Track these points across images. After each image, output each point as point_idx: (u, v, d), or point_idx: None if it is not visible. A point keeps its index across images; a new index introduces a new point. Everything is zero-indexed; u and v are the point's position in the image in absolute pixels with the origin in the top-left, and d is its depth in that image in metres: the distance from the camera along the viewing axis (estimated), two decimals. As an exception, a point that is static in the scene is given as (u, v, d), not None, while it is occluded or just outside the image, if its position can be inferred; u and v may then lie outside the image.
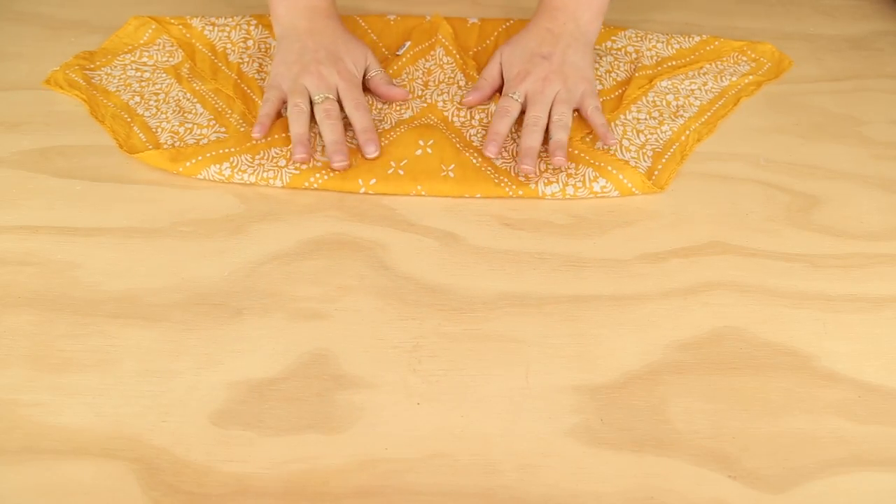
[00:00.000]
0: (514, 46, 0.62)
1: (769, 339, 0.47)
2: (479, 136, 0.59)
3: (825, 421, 0.43)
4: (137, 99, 0.61)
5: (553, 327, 0.48)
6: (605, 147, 0.57)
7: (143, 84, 0.63)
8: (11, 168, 0.57)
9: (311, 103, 0.58)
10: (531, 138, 0.56)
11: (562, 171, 0.55)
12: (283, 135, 0.58)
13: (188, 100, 0.61)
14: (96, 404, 0.43)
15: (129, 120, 0.59)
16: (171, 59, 0.65)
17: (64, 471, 0.41)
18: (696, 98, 0.62)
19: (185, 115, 0.60)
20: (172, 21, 0.67)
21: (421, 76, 0.64)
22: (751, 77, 0.64)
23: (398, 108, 0.61)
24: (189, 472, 0.41)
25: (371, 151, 0.56)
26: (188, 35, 0.67)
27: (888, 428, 0.43)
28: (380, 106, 0.61)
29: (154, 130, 0.58)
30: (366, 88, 0.62)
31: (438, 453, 0.42)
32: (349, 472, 0.41)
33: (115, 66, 0.64)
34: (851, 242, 0.52)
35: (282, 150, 0.57)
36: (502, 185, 0.55)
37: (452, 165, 0.56)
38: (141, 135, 0.58)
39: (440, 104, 0.61)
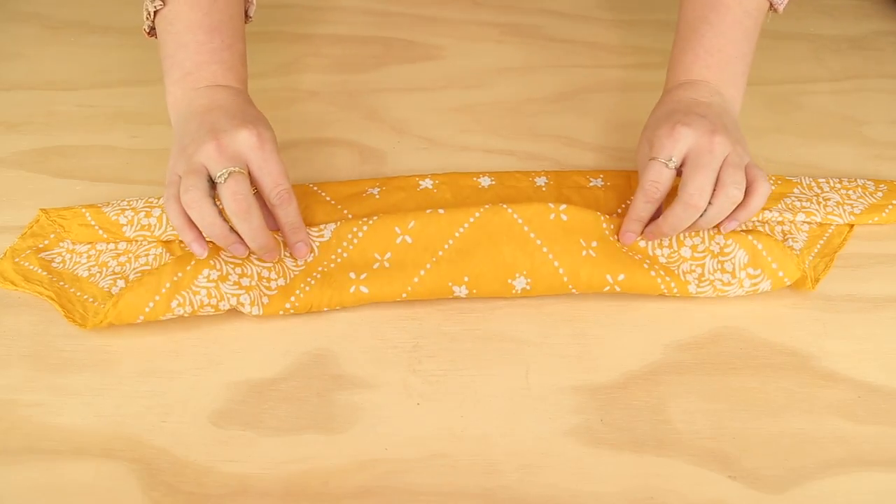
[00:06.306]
0: (654, 118, 0.49)
1: (769, 339, 0.47)
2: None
3: (825, 421, 0.43)
4: (122, 283, 0.47)
5: (553, 327, 0.48)
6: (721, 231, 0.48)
7: (123, 260, 0.49)
8: (11, 168, 0.57)
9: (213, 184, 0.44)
10: (682, 218, 0.45)
11: (710, 251, 0.48)
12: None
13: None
14: (96, 404, 0.43)
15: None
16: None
17: (64, 471, 0.41)
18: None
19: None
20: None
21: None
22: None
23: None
24: (189, 473, 0.41)
25: (302, 254, 0.48)
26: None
27: (888, 428, 0.43)
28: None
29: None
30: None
31: (438, 453, 0.42)
32: (349, 472, 0.41)
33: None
34: (851, 242, 0.52)
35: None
36: (653, 272, 0.47)
37: (595, 243, 0.47)
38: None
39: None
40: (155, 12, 0.48)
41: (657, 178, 0.46)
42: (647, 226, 0.49)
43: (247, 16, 0.53)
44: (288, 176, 0.46)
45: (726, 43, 0.50)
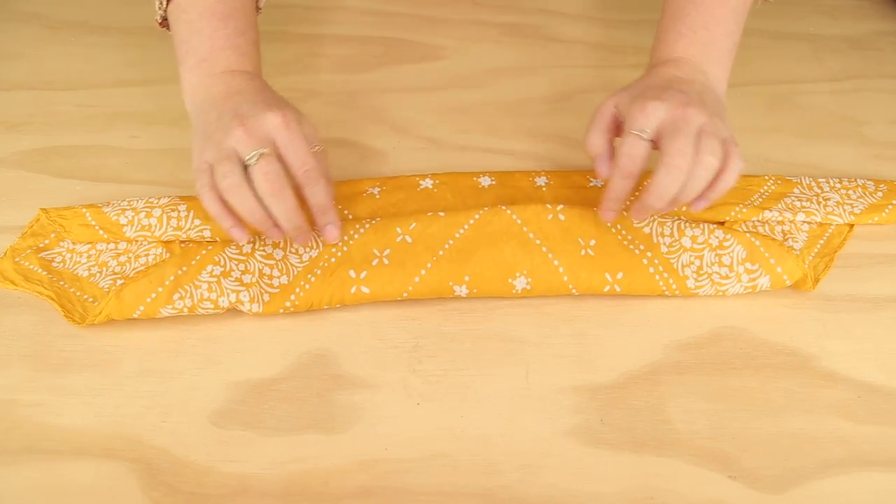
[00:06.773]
0: (630, 89, 0.47)
1: (769, 339, 0.47)
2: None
3: (825, 421, 0.43)
4: (121, 284, 0.46)
5: (553, 327, 0.48)
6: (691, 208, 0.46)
7: (123, 260, 0.49)
8: (11, 168, 0.57)
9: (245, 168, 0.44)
10: (667, 183, 0.43)
11: (707, 248, 0.48)
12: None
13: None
14: (96, 404, 0.43)
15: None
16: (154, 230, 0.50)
17: (64, 471, 0.41)
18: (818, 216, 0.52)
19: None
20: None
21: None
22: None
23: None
24: (189, 473, 0.41)
25: (333, 237, 0.48)
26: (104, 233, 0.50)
27: (888, 428, 0.43)
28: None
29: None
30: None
31: (438, 453, 0.42)
32: (349, 472, 0.41)
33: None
34: (851, 242, 0.52)
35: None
36: (651, 268, 0.47)
37: (593, 241, 0.48)
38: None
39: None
40: (168, 1, 0.49)
41: (631, 151, 0.44)
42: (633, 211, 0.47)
43: (257, 7, 0.53)
44: (314, 160, 0.45)
45: (711, 21, 0.49)
